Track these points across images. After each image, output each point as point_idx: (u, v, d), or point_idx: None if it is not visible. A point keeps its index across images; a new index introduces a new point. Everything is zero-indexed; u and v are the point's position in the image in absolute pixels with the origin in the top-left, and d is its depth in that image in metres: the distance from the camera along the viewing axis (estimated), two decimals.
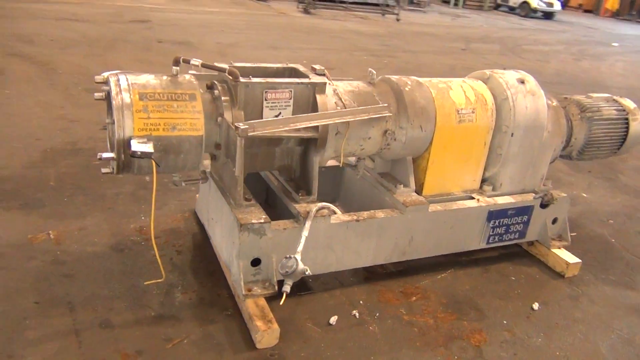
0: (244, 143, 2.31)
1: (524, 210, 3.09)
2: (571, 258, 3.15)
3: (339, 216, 2.64)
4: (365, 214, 2.71)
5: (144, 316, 2.41)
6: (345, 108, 2.56)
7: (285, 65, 2.71)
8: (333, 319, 2.54)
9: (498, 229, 3.06)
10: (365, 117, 2.58)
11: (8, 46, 6.52)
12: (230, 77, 2.30)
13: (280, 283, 2.38)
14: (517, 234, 3.16)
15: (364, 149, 2.74)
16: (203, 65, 2.34)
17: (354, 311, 2.61)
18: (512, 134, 2.95)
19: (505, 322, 2.69)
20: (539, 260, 3.26)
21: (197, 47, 7.66)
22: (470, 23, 14.85)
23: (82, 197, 3.34)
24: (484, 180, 3.11)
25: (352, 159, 3.02)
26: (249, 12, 11.62)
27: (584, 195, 4.29)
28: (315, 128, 2.50)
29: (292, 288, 2.33)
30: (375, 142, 2.72)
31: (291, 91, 2.47)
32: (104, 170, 2.32)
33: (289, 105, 2.49)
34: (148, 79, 2.28)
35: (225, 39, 8.52)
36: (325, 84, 2.52)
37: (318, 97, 2.50)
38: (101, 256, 2.78)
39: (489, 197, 3.05)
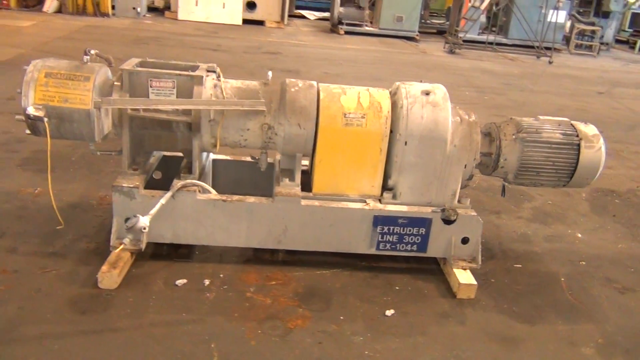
0: (134, 123, 2.87)
1: (420, 222, 3.06)
2: (467, 279, 3.01)
3: (208, 195, 2.98)
4: (235, 197, 3.01)
5: (41, 250, 3.03)
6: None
7: (192, 64, 3.17)
8: (181, 282, 2.87)
9: (388, 236, 3.08)
10: (236, 108, 2.92)
11: None
12: (107, 65, 2.86)
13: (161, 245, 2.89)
14: (415, 246, 3.12)
15: (246, 139, 3.06)
16: (97, 55, 2.93)
17: (207, 280, 2.91)
18: (405, 142, 2.99)
19: (342, 317, 2.73)
20: (445, 279, 3.15)
21: (303, 75, 8.40)
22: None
23: (85, 170, 4.16)
24: (389, 189, 3.16)
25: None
26: (387, 50, 12.12)
27: (579, 235, 3.88)
28: (190, 113, 2.92)
29: (171, 254, 2.86)
30: (255, 134, 3.02)
31: (174, 81, 2.92)
32: (27, 131, 3.02)
33: (173, 94, 2.94)
34: (60, 63, 2.94)
35: (335, 70, 9.15)
36: (202, 77, 2.92)
37: (195, 88, 2.92)
38: (54, 209, 3.48)
39: (386, 204, 3.10)
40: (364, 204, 3.07)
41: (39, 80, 2.84)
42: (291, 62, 9.42)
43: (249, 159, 3.41)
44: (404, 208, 3.07)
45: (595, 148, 3.15)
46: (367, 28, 14.24)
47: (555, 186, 3.30)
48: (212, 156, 3.56)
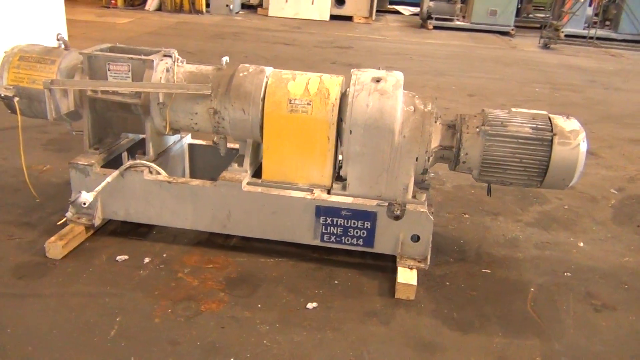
0: (98, 105, 3.09)
1: (364, 215, 2.92)
2: (406, 279, 2.83)
3: (155, 175, 3.07)
4: (181, 179, 3.08)
5: (17, 220, 3.29)
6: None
7: (156, 49, 3.27)
8: (121, 257, 3.00)
9: (332, 228, 2.98)
10: (181, 91, 2.98)
11: (208, 58, 8.34)
12: (64, 48, 3.05)
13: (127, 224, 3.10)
14: (361, 240, 2.98)
15: (196, 123, 3.11)
16: (58, 39, 3.13)
17: (147, 258, 3.01)
18: (350, 131, 2.88)
19: (259, 305, 2.70)
20: (394, 277, 2.99)
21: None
22: None
23: None
24: (341, 180, 3.06)
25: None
26: (471, 45, 11.56)
27: (580, 244, 3.47)
28: (140, 96, 3.03)
29: (130, 232, 3.06)
30: (203, 118, 3.06)
31: (129, 65, 3.05)
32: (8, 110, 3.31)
33: (128, 77, 3.07)
34: (34, 48, 3.19)
35: (400, 64, 8.92)
36: (152, 61, 3.01)
37: (146, 71, 3.02)
38: (53, 184, 3.77)
39: (334, 194, 3.00)
40: (309, 193, 2.99)
41: (13, 62, 3.10)
42: (357, 56, 9.34)
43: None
44: (348, 200, 2.95)
45: (572, 145, 2.80)
46: (458, 23, 13.69)
47: (527, 186, 2.98)
48: (188, 140, 3.65)
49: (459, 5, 13.80)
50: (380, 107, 2.82)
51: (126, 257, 3.00)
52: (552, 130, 2.83)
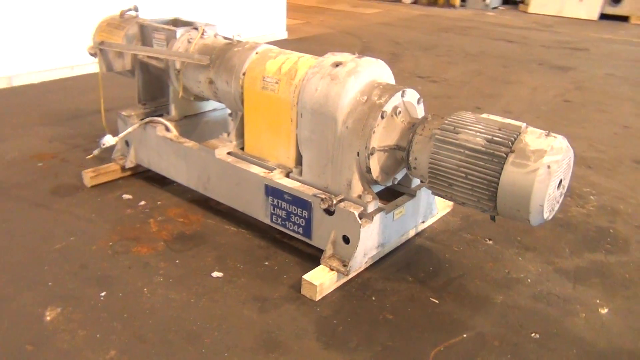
0: (149, 68, 3.63)
1: (302, 204, 2.84)
2: (311, 277, 2.65)
3: (164, 132, 3.49)
4: (180, 139, 3.43)
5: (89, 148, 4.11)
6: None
7: (199, 23, 3.62)
8: (126, 196, 3.52)
9: (278, 210, 2.97)
10: (182, 59, 3.31)
11: (408, 49, 8.38)
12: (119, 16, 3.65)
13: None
14: (301, 229, 2.90)
15: (202, 91, 3.40)
16: (121, 15, 3.73)
17: (143, 202, 3.46)
18: (301, 114, 2.83)
19: (177, 261, 2.89)
20: None
21: (574, 74, 7.27)
22: None
23: None
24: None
25: None
26: None
27: (602, 311, 2.67)
28: (164, 62, 3.47)
29: (154, 179, 3.60)
30: (205, 86, 3.34)
31: (165, 34, 3.52)
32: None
33: (164, 45, 3.54)
34: (106, 20, 3.88)
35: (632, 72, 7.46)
36: (175, 32, 3.40)
37: (171, 40, 3.44)
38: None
39: (292, 178, 2.99)
40: (266, 171, 3.02)
41: (101, 27, 3.86)
42: (584, 60, 8.11)
43: None
44: (292, 184, 2.88)
45: (527, 168, 2.22)
46: None
47: (482, 210, 2.45)
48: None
49: None
50: (326, 92, 2.67)
51: (130, 197, 3.50)
52: (510, 146, 2.27)
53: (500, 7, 13.78)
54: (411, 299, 2.67)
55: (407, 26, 10.62)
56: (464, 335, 2.44)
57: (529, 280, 2.85)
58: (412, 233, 3.15)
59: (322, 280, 2.62)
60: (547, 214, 2.31)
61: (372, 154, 2.61)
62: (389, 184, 2.88)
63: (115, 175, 3.71)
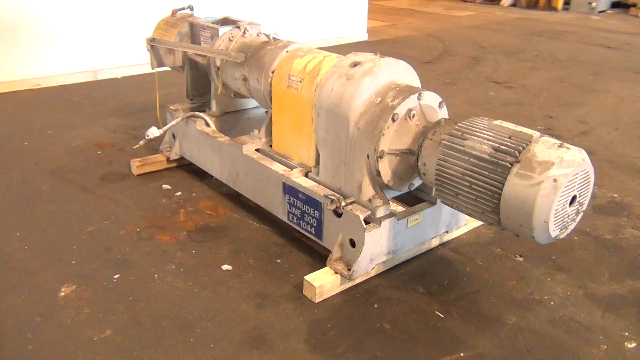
0: (198, 64, 3.78)
1: (314, 204, 2.82)
2: (313, 278, 2.62)
3: (202, 127, 3.62)
4: (217, 133, 3.53)
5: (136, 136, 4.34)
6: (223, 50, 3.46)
7: (247, 21, 3.71)
8: (165, 186, 3.67)
9: (294, 209, 2.98)
10: (218, 56, 3.41)
11: (490, 53, 8.05)
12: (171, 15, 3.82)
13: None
14: (313, 229, 2.88)
15: (239, 88, 3.47)
16: (173, 13, 3.89)
17: (179, 192, 3.60)
18: (318, 114, 2.83)
19: (194, 251, 2.97)
20: None
21: None
22: None
23: None
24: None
25: None
26: None
27: (629, 345, 2.42)
28: (206, 59, 3.60)
29: (196, 171, 3.75)
30: (241, 83, 3.41)
31: (210, 32, 3.65)
32: None
33: (210, 42, 3.68)
34: (176, 16, 4.09)
35: None
36: (218, 30, 3.51)
37: (213, 38, 3.56)
38: None
39: (311, 177, 2.98)
40: (286, 169, 3.03)
41: (160, 25, 4.07)
42: None
43: None
44: (307, 183, 2.87)
45: (532, 180, 2.06)
46: None
47: (484, 221, 2.31)
48: None
49: None
50: (341, 92, 2.64)
51: (169, 187, 3.66)
52: (517, 156, 2.12)
53: (608, 11, 12.81)
54: (415, 311, 2.56)
55: (497, 29, 10.18)
56: (461, 354, 2.30)
57: (552, 303, 2.63)
58: (435, 243, 3.02)
59: (322, 282, 2.59)
60: (556, 232, 2.12)
61: (381, 157, 2.53)
62: (405, 189, 2.78)
63: (160, 165, 3.89)
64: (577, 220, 2.23)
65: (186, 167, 3.92)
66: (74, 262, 2.84)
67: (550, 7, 12.84)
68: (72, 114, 5.08)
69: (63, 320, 2.42)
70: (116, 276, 2.73)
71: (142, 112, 5.11)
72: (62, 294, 2.60)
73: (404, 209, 2.91)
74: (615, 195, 3.72)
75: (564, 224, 2.15)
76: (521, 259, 2.98)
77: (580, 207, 2.19)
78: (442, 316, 2.52)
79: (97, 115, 5.05)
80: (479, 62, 7.53)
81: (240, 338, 2.35)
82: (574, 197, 2.12)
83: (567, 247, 3.08)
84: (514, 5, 13.44)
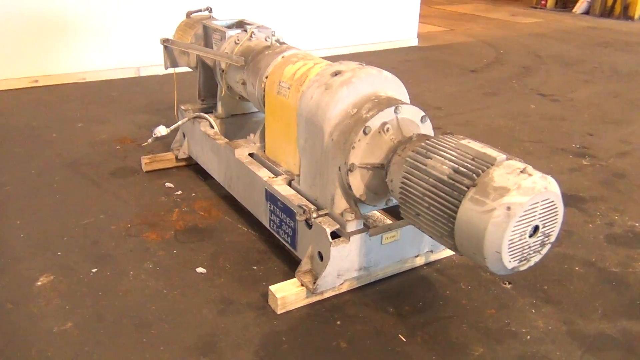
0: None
1: (289, 212, 2.79)
2: (278, 290, 2.58)
3: (205, 128, 3.66)
4: (218, 135, 3.56)
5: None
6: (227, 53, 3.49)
7: (257, 25, 3.71)
8: (169, 184, 3.75)
9: (274, 217, 2.95)
10: (219, 59, 3.44)
11: (546, 63, 7.67)
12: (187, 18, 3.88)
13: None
14: (289, 238, 2.85)
15: (240, 91, 3.49)
16: (187, 15, 3.95)
17: (180, 191, 3.67)
18: (299, 122, 2.79)
19: (175, 251, 3.00)
20: None
21: None
22: None
23: None
24: None
25: None
26: None
27: None
28: (213, 61, 3.64)
29: (201, 171, 3.79)
30: (241, 87, 3.43)
31: (220, 35, 3.69)
32: None
33: (218, 45, 3.72)
34: (196, 17, 4.16)
35: None
36: (225, 33, 3.54)
37: (221, 41, 3.59)
38: None
39: (293, 186, 2.95)
40: (271, 176, 3.01)
41: (180, 27, 4.16)
42: None
43: None
44: (285, 192, 2.84)
45: (485, 207, 1.93)
46: None
47: (444, 245, 2.19)
48: None
49: None
50: (318, 101, 2.58)
51: (172, 185, 3.73)
52: (474, 179, 1.99)
53: None
54: (377, 332, 2.46)
55: (561, 38, 9.68)
56: None
57: (528, 337, 2.46)
58: (419, 262, 2.90)
59: (285, 293, 2.54)
60: (513, 264, 1.97)
61: (351, 170, 2.45)
62: (382, 205, 2.68)
63: (169, 163, 3.97)
64: (544, 252, 2.07)
65: (194, 166, 3.98)
66: (59, 253, 2.94)
67: (626, 15, 12.07)
68: (106, 108, 5.28)
69: (31, 310, 2.51)
70: (94, 270, 2.81)
71: (171, 110, 5.22)
72: (39, 283, 2.69)
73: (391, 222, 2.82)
74: (637, 224, 3.43)
75: (524, 255, 1.99)
76: (509, 286, 2.80)
77: (545, 239, 2.03)
78: (405, 340, 2.42)
79: (128, 110, 5.23)
80: (530, 73, 7.18)
81: (192, 343, 2.35)
82: (536, 227, 1.96)
83: (564, 277, 2.88)
84: (586, 13, 12.74)
